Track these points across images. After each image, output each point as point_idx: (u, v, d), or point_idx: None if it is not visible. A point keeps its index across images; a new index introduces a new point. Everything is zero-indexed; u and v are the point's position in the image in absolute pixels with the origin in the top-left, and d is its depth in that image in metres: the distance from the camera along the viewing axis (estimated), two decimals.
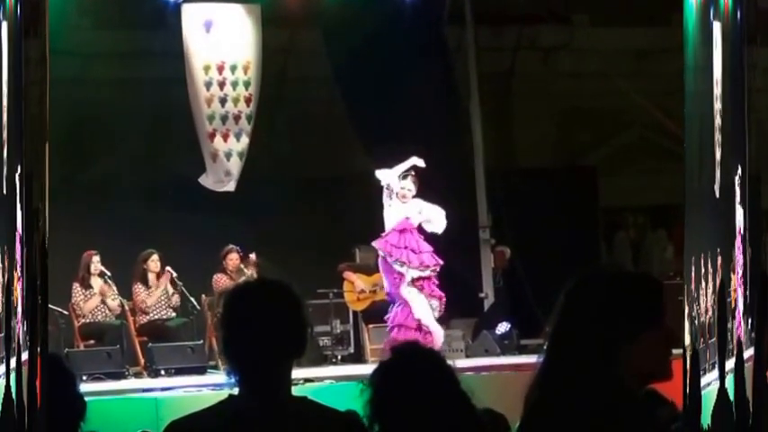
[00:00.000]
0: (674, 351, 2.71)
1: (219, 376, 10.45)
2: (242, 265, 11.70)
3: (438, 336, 10.55)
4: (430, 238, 10.73)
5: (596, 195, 15.02)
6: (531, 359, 11.38)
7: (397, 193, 10.59)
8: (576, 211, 14.38)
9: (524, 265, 13.66)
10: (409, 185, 10.56)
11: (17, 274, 2.97)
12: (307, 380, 9.10)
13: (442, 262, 10.62)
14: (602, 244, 14.94)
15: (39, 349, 2.92)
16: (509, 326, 12.56)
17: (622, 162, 14.79)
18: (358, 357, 11.95)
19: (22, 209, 2.99)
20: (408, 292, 10.47)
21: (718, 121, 3.13)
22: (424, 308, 10.47)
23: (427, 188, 10.86)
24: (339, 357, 11.99)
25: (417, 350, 3.28)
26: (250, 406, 2.86)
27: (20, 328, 2.89)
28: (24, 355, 2.92)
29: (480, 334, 12.41)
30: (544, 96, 14.62)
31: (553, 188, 14.23)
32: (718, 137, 3.13)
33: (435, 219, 10.61)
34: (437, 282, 10.63)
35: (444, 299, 10.62)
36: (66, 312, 11.27)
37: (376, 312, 11.59)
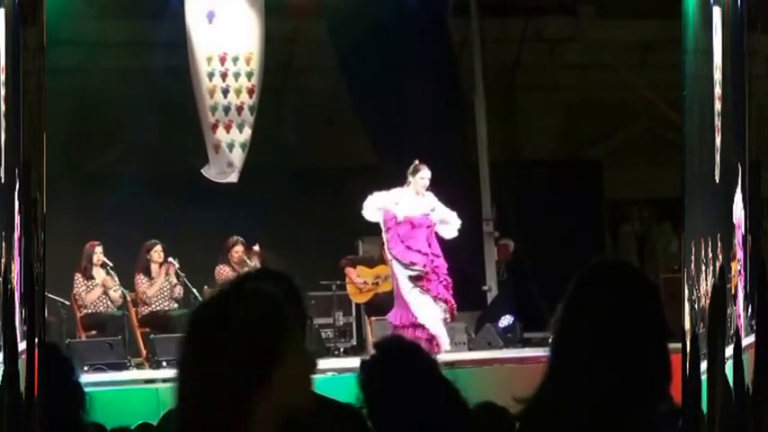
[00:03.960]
0: (674, 345, 2.70)
1: None
2: (245, 257, 11.70)
3: (442, 341, 10.47)
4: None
5: (601, 188, 15.01)
6: (535, 352, 11.44)
7: (408, 184, 10.57)
8: (581, 203, 14.37)
9: (528, 258, 13.66)
10: (427, 174, 10.53)
11: (15, 263, 2.96)
12: None
13: (439, 265, 10.52)
14: (607, 237, 14.94)
15: (37, 339, 2.92)
16: (512, 319, 12.56)
17: (628, 155, 14.78)
18: (360, 350, 11.95)
19: (20, 198, 2.98)
20: (409, 293, 10.45)
21: (717, 106, 3.13)
22: (427, 310, 10.42)
23: (431, 181, 10.83)
24: (342, 349, 12.00)
25: (398, 345, 3.28)
26: None
27: (18, 317, 2.89)
28: (22, 345, 2.92)
29: (483, 327, 12.41)
30: (549, 88, 14.60)
31: (558, 181, 14.22)
32: (717, 122, 3.12)
33: (452, 223, 10.63)
34: (445, 284, 10.56)
35: (452, 305, 10.54)
36: (67, 303, 11.29)
37: (378, 305, 11.60)
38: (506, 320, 12.53)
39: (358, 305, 12.24)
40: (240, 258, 11.69)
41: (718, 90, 3.15)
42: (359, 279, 11.92)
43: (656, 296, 2.61)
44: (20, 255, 2.95)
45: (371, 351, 3.28)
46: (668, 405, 2.80)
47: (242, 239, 11.76)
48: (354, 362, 10.68)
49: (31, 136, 3.06)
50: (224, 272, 11.66)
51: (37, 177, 3.06)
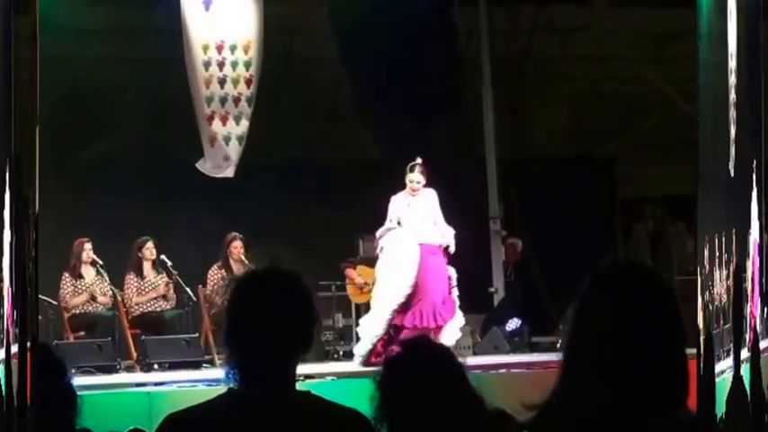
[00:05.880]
0: (689, 350, 2.72)
1: (215, 371, 10.47)
2: (242, 256, 11.70)
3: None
4: None
5: (613, 185, 15.01)
6: (543, 357, 11.42)
7: (405, 185, 10.62)
8: (592, 201, 14.38)
9: (537, 259, 13.67)
10: (418, 177, 10.57)
11: (6, 263, 2.98)
12: (307, 376, 9.11)
13: None
14: (619, 236, 14.94)
15: (29, 342, 2.94)
16: (520, 322, 12.58)
17: (641, 151, 14.76)
18: None
19: (10, 196, 2.99)
20: None
21: (732, 96, 3.13)
22: None
23: (436, 177, 10.84)
24: (341, 353, 12.00)
25: (427, 346, 3.28)
26: (251, 400, 2.88)
27: (9, 319, 2.91)
28: (14, 348, 2.93)
29: (489, 330, 12.42)
30: (560, 81, 14.60)
31: (568, 178, 14.22)
32: (732, 113, 3.13)
33: (448, 236, 10.72)
34: None
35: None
36: (55, 302, 11.29)
37: None
38: (513, 324, 12.55)
39: (358, 306, 12.24)
40: (239, 256, 11.71)
41: (732, 79, 3.16)
42: (360, 279, 11.94)
43: (673, 298, 2.61)
44: (11, 255, 2.97)
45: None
46: (686, 413, 2.81)
47: (241, 236, 11.77)
48: (354, 366, 10.72)
49: (22, 130, 3.08)
50: (215, 276, 11.67)
51: (28, 174, 3.08)
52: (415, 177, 10.56)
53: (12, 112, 3.08)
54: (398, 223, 10.68)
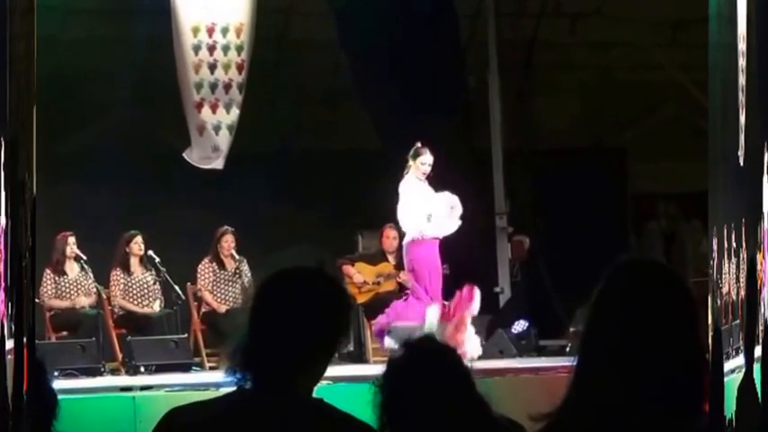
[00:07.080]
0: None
1: (205, 374, 10.47)
2: (233, 251, 11.70)
3: None
4: None
5: (625, 180, 15.04)
6: (551, 362, 11.42)
7: (408, 169, 10.61)
8: (603, 197, 14.41)
9: (545, 257, 13.67)
10: (430, 159, 10.56)
11: (1, 252, 2.94)
12: None
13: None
14: (631, 234, 14.97)
15: (25, 337, 2.90)
16: (527, 324, 12.59)
17: (655, 143, 14.79)
18: (358, 356, 11.94)
19: (6, 179, 2.95)
20: None
21: (741, 80, 3.12)
22: None
23: (438, 170, 10.83)
24: (337, 356, 11.97)
25: (431, 347, 3.28)
26: (263, 403, 2.86)
27: (4, 312, 2.87)
28: (9, 343, 2.90)
29: (495, 333, 12.42)
30: (570, 69, 14.61)
31: (578, 171, 14.24)
32: (742, 98, 3.12)
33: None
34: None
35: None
36: (36, 300, 11.25)
37: (379, 306, 11.58)
38: (520, 326, 12.56)
39: (356, 306, 12.24)
40: (230, 250, 11.70)
41: (742, 62, 3.15)
42: (359, 276, 11.93)
43: (691, 298, 2.60)
44: (6, 243, 2.93)
45: (374, 357, 3.28)
46: (705, 418, 2.80)
47: (232, 230, 11.76)
48: (352, 370, 10.72)
49: (18, 109, 3.03)
50: (206, 272, 11.66)
51: (25, 156, 3.04)
52: (428, 159, 10.54)
53: (7, 91, 3.04)
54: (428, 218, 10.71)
